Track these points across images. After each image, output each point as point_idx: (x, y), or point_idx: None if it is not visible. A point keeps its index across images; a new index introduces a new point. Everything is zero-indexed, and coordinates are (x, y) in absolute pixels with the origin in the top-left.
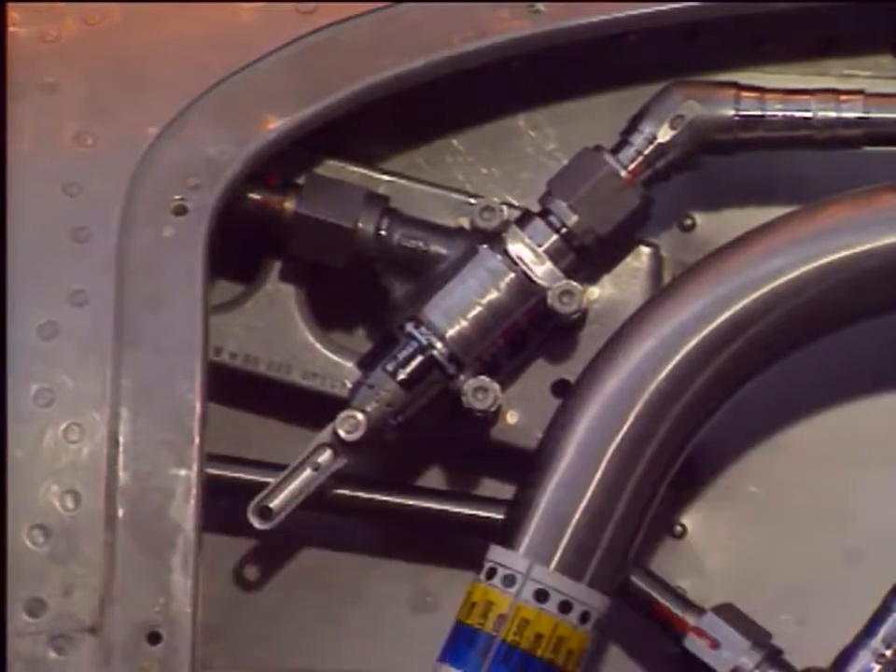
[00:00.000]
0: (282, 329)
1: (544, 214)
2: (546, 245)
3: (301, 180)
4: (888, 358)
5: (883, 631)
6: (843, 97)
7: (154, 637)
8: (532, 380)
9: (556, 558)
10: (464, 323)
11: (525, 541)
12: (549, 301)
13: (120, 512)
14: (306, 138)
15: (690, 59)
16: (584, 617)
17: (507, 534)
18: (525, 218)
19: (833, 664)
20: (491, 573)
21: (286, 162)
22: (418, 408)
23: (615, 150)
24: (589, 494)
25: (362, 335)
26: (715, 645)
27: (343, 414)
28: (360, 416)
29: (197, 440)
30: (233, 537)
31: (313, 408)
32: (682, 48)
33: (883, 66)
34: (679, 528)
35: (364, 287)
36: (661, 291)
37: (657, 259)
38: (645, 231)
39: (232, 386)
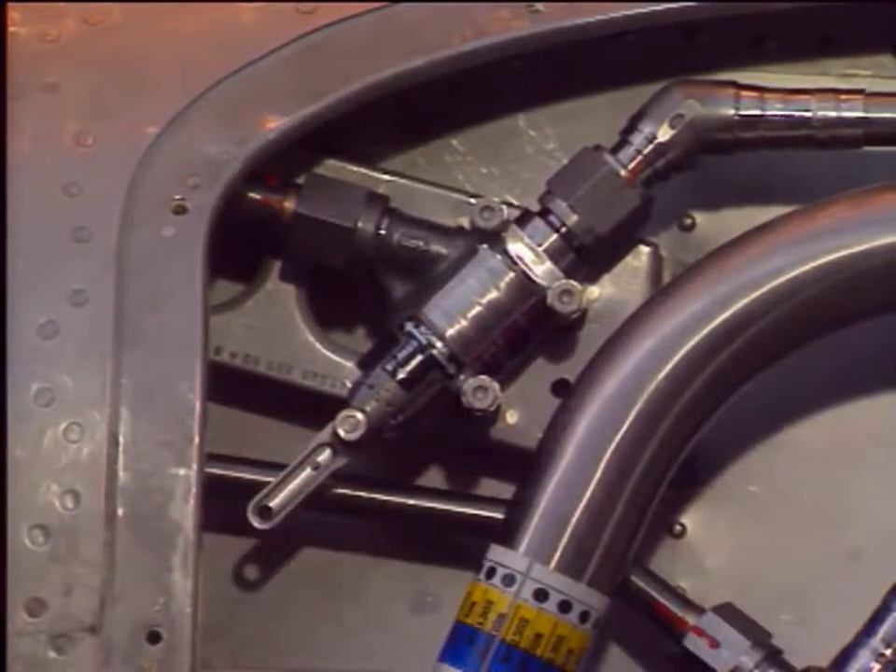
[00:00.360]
0: (282, 329)
1: (544, 213)
2: (546, 245)
3: (301, 180)
4: (888, 358)
5: (883, 630)
6: (843, 97)
7: (154, 637)
8: (532, 380)
9: (556, 558)
10: (464, 322)
11: (525, 541)
12: (549, 300)
13: (120, 512)
14: (306, 138)
15: (689, 59)
16: (584, 616)
17: (506, 533)
18: (524, 218)
19: (833, 663)
20: (491, 573)
21: (286, 162)
22: (418, 408)
23: (615, 150)
24: (589, 493)
25: (362, 335)
26: (715, 644)
27: (342, 414)
28: (360, 416)
29: (197, 439)
30: (233, 536)
31: (313, 408)
32: (681, 47)
33: (883, 66)
34: (678, 528)
35: (364, 287)
36: (661, 291)
37: (657, 259)
38: (645, 231)
39: (232, 386)
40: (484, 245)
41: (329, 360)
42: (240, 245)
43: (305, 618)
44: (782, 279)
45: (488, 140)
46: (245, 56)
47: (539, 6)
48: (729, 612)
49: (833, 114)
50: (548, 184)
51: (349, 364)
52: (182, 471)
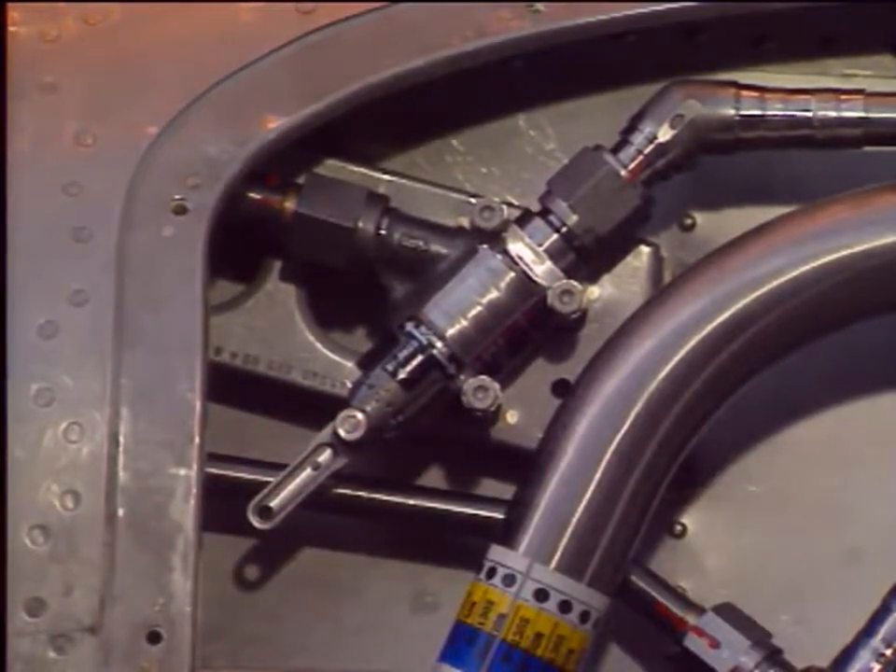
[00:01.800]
0: (282, 329)
1: (544, 213)
2: (546, 245)
3: (301, 180)
4: (888, 358)
5: (883, 630)
6: (843, 97)
7: (154, 637)
8: (532, 380)
9: (556, 558)
10: (464, 322)
11: (525, 541)
12: (549, 300)
13: (120, 512)
14: (306, 138)
15: (689, 59)
16: (584, 616)
17: (507, 533)
18: (524, 218)
19: (833, 663)
20: (491, 573)
21: (286, 162)
22: (418, 408)
23: (615, 150)
24: (589, 494)
25: (362, 335)
26: (715, 644)
27: (342, 414)
28: (360, 416)
29: (197, 440)
30: (233, 537)
31: (313, 408)
32: (682, 47)
33: (883, 66)
34: (678, 528)
35: (364, 287)
36: (661, 291)
37: (657, 259)
38: (645, 231)
39: (232, 386)
40: (484, 245)
41: (329, 360)
42: (240, 244)
43: (305, 618)
44: (782, 279)
45: (488, 140)
46: (245, 56)
47: (539, 6)
48: (729, 612)
49: (833, 114)
50: (548, 184)
51: (349, 364)
52: (182, 471)
